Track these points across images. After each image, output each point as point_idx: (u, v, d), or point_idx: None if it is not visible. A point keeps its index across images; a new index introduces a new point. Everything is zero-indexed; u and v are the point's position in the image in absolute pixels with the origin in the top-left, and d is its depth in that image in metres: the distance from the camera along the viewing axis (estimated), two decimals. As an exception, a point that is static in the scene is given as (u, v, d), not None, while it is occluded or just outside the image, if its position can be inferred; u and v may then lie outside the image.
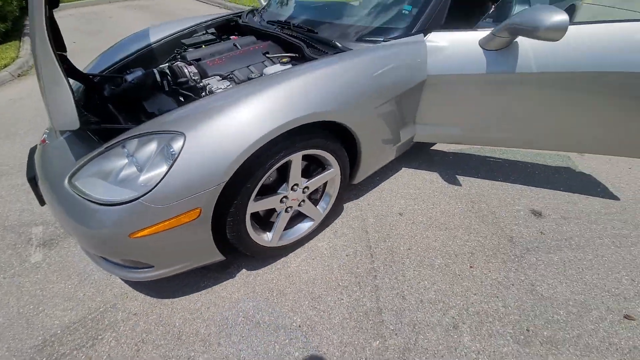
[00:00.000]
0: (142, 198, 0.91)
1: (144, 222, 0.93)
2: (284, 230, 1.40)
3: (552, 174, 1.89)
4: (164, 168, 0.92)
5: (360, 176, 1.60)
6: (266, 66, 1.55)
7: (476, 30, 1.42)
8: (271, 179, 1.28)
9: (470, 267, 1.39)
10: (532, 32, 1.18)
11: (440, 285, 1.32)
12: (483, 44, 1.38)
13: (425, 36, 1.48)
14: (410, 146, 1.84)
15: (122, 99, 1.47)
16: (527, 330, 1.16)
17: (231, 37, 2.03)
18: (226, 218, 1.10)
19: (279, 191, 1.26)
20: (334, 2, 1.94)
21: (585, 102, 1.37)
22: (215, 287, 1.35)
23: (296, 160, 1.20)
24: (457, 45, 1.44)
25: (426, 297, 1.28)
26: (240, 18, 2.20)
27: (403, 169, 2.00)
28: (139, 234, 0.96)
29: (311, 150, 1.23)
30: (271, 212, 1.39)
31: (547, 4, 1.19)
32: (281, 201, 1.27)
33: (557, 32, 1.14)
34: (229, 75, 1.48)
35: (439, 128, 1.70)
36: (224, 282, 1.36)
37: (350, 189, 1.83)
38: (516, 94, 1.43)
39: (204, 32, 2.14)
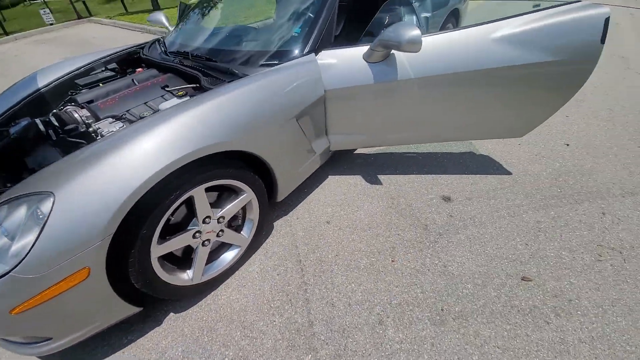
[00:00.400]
0: (13, 271, 0.83)
1: (22, 296, 0.85)
2: (207, 263, 1.37)
3: (457, 159, 2.11)
4: (34, 234, 0.85)
5: (282, 194, 1.63)
6: (166, 100, 1.53)
7: (359, 46, 1.54)
8: (180, 215, 1.25)
9: (392, 261, 1.49)
10: (397, 46, 1.33)
11: (366, 285, 1.39)
12: (366, 58, 1.51)
13: (316, 55, 1.57)
14: (330, 155, 1.93)
15: (3, 156, 1.33)
16: (442, 310, 1.27)
17: (137, 70, 1.95)
18: (127, 269, 1.04)
19: (189, 227, 1.23)
20: (231, 29, 1.97)
21: (456, 97, 1.56)
22: (140, 340, 1.27)
23: (199, 195, 1.18)
24: (345, 60, 1.56)
25: (354, 299, 1.34)
26: (143, 49, 2.13)
27: (329, 177, 2.09)
28: (21, 309, 0.87)
29: (215, 181, 1.23)
30: (191, 248, 1.35)
31: (411, 20, 1.34)
32: (194, 236, 1.25)
33: (415, 45, 1.29)
34: (123, 115, 1.42)
35: (348, 136, 1.80)
36: (150, 332, 1.29)
37: (279, 206, 1.85)
38: (403, 97, 1.58)
39: (103, 68, 2.03)
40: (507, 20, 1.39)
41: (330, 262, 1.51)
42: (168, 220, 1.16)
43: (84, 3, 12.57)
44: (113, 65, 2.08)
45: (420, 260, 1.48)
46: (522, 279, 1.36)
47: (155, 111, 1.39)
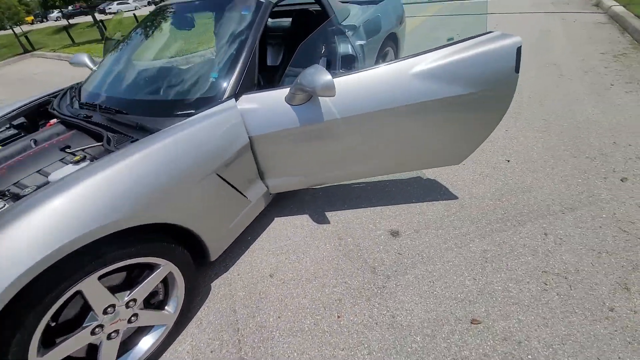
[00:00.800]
0: None
1: None
2: (120, 356, 1.17)
3: (405, 187, 2.06)
4: None
5: (215, 254, 1.47)
6: (65, 164, 1.33)
7: (281, 88, 1.45)
8: (72, 311, 1.04)
9: (338, 317, 1.37)
10: (313, 92, 1.25)
11: (310, 353, 1.26)
12: (288, 100, 1.42)
13: (237, 101, 1.46)
14: (272, 198, 1.81)
15: None
16: (390, 374, 1.16)
17: (48, 123, 1.73)
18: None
19: (85, 324, 1.04)
20: (147, 74, 1.81)
21: (387, 132, 1.50)
22: None
23: (91, 287, 1.00)
24: (267, 104, 1.46)
25: (295, 373, 1.20)
26: (55, 100, 1.91)
27: (275, 219, 1.95)
28: None
29: (115, 264, 1.05)
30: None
31: (320, 65, 1.27)
32: (94, 332, 1.05)
33: (329, 90, 1.22)
34: (7, 190, 1.21)
35: (286, 178, 1.69)
36: None
37: (218, 262, 1.68)
38: (334, 137, 1.50)
39: (8, 125, 1.79)
40: (425, 55, 1.37)
41: (272, 328, 1.36)
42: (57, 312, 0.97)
43: (26, 37, 11.88)
44: (20, 120, 1.85)
45: (368, 312, 1.37)
46: (471, 322, 1.29)
47: (43, 184, 1.19)
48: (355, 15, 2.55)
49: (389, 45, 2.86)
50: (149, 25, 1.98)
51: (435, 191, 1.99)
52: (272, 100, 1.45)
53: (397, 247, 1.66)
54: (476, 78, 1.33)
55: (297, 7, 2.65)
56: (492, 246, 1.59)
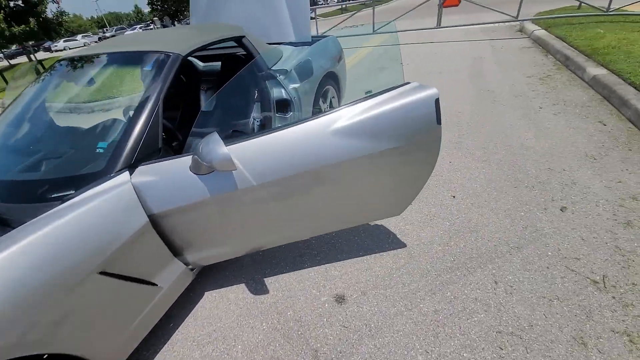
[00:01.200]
0: None
1: None
2: None
3: (352, 237, 1.90)
4: None
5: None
6: None
7: (185, 156, 1.26)
8: None
9: None
10: (212, 168, 1.07)
11: None
12: (193, 169, 1.22)
13: (132, 174, 1.23)
14: (197, 273, 1.55)
15: None
16: None
17: None
18: None
19: None
20: (11, 148, 1.51)
21: (315, 193, 1.35)
22: None
23: None
24: (170, 175, 1.24)
25: None
26: None
27: (205, 294, 1.68)
28: None
29: None
30: None
31: (216, 135, 1.10)
32: None
33: (226, 166, 1.05)
34: None
35: (210, 250, 1.46)
36: None
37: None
38: (255, 203, 1.31)
39: None
40: (342, 110, 1.25)
41: None
42: None
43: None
44: None
45: (307, 419, 1.13)
46: (427, 412, 1.10)
47: None
48: (290, 56, 2.48)
49: (328, 84, 2.81)
50: (40, 82, 1.71)
51: (383, 240, 1.85)
52: (176, 170, 1.24)
53: (343, 317, 1.46)
54: (398, 132, 1.24)
55: (226, 52, 2.54)
56: (444, 304, 1.44)
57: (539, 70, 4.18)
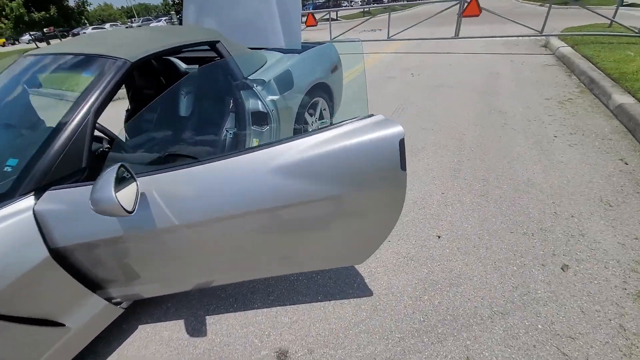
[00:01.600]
0: None
1: None
2: None
3: (314, 277, 1.68)
4: None
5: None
6: None
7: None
8: None
9: None
10: (98, 212, 0.88)
11: None
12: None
13: (38, 199, 1.06)
14: (124, 308, 1.37)
15: None
16: None
17: None
18: None
19: None
20: None
21: (256, 237, 1.14)
22: None
23: None
24: (80, 203, 1.06)
25: None
26: None
27: (139, 327, 1.50)
28: None
29: None
30: None
31: (113, 175, 0.90)
32: None
33: (113, 211, 0.85)
34: None
35: (137, 287, 1.27)
36: None
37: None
38: (181, 243, 1.12)
39: None
40: (288, 143, 1.03)
41: None
42: None
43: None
44: None
45: None
46: None
47: None
48: (274, 64, 2.27)
49: (318, 96, 2.58)
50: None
51: (348, 284, 1.62)
52: (86, 199, 1.06)
53: (279, 381, 1.24)
54: (355, 176, 1.00)
55: (201, 55, 2.36)
56: (400, 380, 1.21)
57: (559, 92, 3.82)
